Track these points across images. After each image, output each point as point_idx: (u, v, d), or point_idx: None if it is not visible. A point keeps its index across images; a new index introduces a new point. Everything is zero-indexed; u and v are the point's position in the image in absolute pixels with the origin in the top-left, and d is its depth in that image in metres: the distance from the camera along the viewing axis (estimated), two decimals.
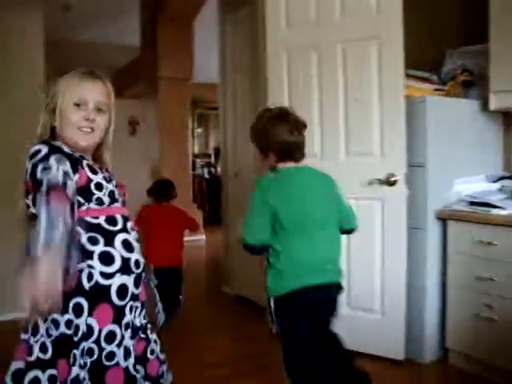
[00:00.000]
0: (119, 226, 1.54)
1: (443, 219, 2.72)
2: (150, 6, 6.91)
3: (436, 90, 2.92)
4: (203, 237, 7.42)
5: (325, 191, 2.08)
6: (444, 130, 2.74)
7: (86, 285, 1.45)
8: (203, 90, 9.48)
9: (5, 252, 3.57)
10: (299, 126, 2.05)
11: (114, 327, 1.49)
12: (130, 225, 1.59)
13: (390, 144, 2.66)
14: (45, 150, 1.48)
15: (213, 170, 9.93)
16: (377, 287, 2.78)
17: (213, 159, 10.74)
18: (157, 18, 6.83)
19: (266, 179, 1.99)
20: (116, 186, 1.62)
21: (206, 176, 9.78)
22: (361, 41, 2.71)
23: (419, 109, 2.68)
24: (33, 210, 1.47)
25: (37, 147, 1.50)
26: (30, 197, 1.50)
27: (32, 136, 3.44)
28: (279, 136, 1.98)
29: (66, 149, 1.51)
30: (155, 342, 1.71)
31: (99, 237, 1.49)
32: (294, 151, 2.06)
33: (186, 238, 6.75)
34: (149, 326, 1.70)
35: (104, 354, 1.46)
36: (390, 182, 2.65)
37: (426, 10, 3.14)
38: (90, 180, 1.50)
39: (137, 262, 1.56)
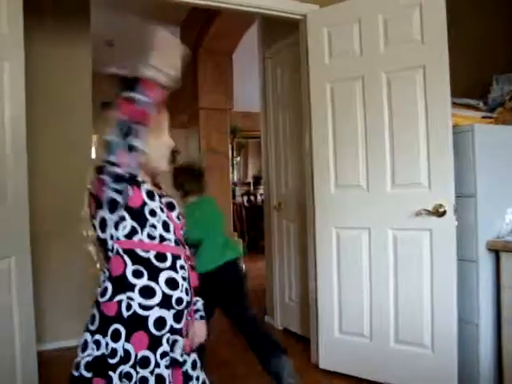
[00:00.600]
0: (167, 264, 1.53)
1: (495, 251, 2.62)
2: (190, 41, 7.09)
3: (484, 117, 2.86)
4: (242, 266, 7.37)
5: None
6: (494, 158, 2.66)
7: (125, 313, 1.46)
8: (242, 118, 9.60)
9: (56, 285, 3.68)
10: None
11: (149, 353, 1.48)
12: (180, 263, 1.58)
13: (438, 174, 2.60)
14: None
15: (252, 198, 9.95)
16: (426, 321, 2.69)
17: (252, 187, 10.77)
18: (197, 51, 7.00)
19: None
20: (178, 217, 1.65)
21: (246, 204, 9.80)
22: (406, 70, 2.69)
23: (467, 137, 2.62)
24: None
25: None
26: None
27: (81, 164, 3.59)
28: None
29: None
30: (197, 379, 1.67)
31: (144, 271, 1.49)
32: None
33: None
34: (197, 362, 1.68)
35: (137, 377, 1.46)
36: (438, 213, 2.59)
37: (470, 36, 3.11)
38: (144, 203, 1.50)
39: (179, 300, 1.54)
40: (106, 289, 1.49)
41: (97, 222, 1.50)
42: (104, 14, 5.55)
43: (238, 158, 11.23)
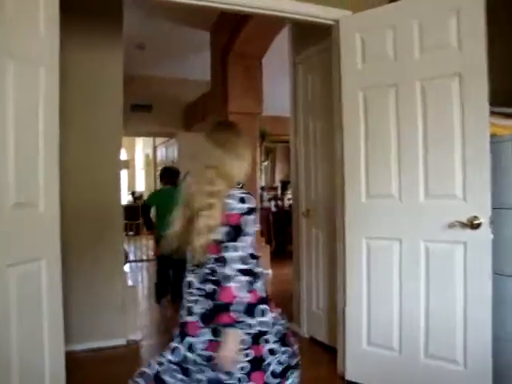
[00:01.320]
0: None
1: None
2: (221, 44, 7.11)
3: None
4: (269, 271, 7.36)
5: None
6: None
7: None
8: (270, 123, 9.60)
9: (85, 287, 3.72)
10: None
11: None
12: None
13: (474, 185, 2.53)
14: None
15: (280, 203, 9.91)
16: (459, 336, 2.61)
17: (280, 192, 10.75)
18: (227, 55, 7.01)
19: None
20: None
21: (273, 209, 9.77)
22: (441, 78, 2.63)
23: (505, 147, 2.55)
24: None
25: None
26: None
27: (110, 166, 3.65)
28: None
29: None
30: None
31: None
32: None
33: None
34: None
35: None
36: (473, 225, 2.51)
37: (509, 43, 3.02)
38: None
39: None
40: None
41: None
42: (135, 17, 5.63)
43: (266, 163, 11.23)
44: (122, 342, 3.87)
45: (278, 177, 11.47)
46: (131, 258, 8.65)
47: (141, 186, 14.07)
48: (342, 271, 3.13)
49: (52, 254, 2.37)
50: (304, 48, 4.00)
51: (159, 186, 5.43)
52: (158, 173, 5.67)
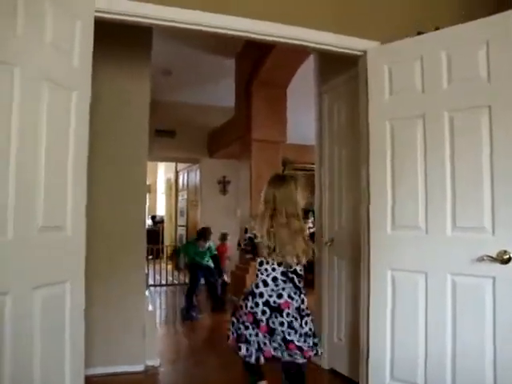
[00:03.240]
0: None
1: None
2: (245, 72, 7.21)
3: None
4: None
5: None
6: None
7: None
8: (292, 151, 9.63)
9: (107, 310, 3.72)
10: None
11: None
12: None
13: (503, 219, 2.48)
14: None
15: None
16: (488, 377, 2.50)
17: None
18: (251, 82, 7.10)
19: None
20: None
21: None
22: (470, 109, 2.60)
23: None
24: None
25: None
26: None
27: (131, 191, 3.71)
28: None
29: None
30: None
31: None
32: None
33: None
34: None
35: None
36: (502, 260, 2.45)
37: None
38: None
39: None
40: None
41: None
42: (162, 44, 5.76)
43: None
44: (140, 367, 3.84)
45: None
46: (150, 282, 8.65)
47: (161, 210, 14.15)
48: (366, 303, 3.07)
49: (77, 276, 2.38)
50: (330, 77, 4.03)
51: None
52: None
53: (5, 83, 1.95)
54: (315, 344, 2.73)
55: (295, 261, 2.77)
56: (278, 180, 2.89)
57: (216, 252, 6.94)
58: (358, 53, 3.17)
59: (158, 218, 13.89)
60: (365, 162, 3.12)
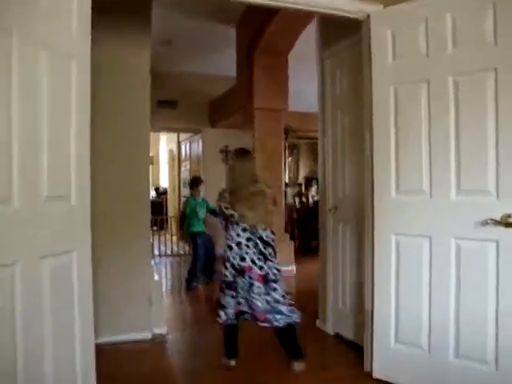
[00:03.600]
0: None
1: None
2: (246, 40, 7.10)
3: None
4: (293, 267, 7.35)
5: None
6: None
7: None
8: (294, 119, 9.55)
9: (113, 280, 3.77)
10: None
11: None
12: None
13: (507, 182, 2.47)
14: None
15: (304, 199, 9.88)
16: (490, 336, 2.56)
17: (303, 189, 10.71)
18: (252, 50, 7.00)
19: None
20: None
21: (297, 205, 9.73)
22: (475, 73, 2.57)
23: None
24: None
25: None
26: None
27: (135, 162, 3.72)
28: None
29: None
30: None
31: None
32: None
33: None
34: None
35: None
36: (506, 223, 2.46)
37: None
38: None
39: None
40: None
41: None
42: (162, 13, 5.66)
43: (290, 159, 11.19)
44: (147, 335, 3.91)
45: (302, 173, 11.43)
46: (155, 252, 8.73)
47: (164, 182, 14.17)
48: (370, 268, 3.10)
49: (83, 246, 2.40)
50: (332, 43, 3.97)
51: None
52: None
53: (2, 49, 1.91)
54: (283, 312, 3.06)
55: (261, 227, 3.10)
56: (239, 154, 3.34)
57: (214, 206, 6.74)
58: (362, 17, 3.11)
59: (161, 190, 13.91)
60: (368, 127, 3.09)
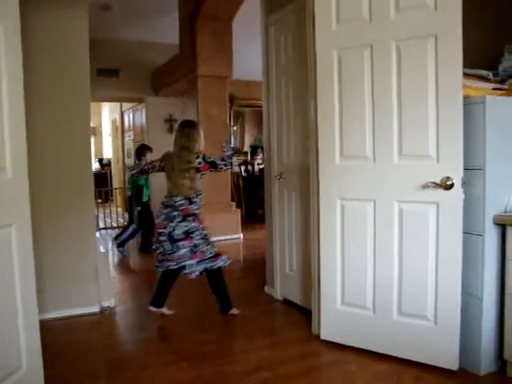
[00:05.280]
0: None
1: (502, 225, 2.59)
2: (189, 5, 6.92)
3: (494, 89, 2.79)
4: (240, 235, 7.40)
5: None
6: (505, 131, 2.61)
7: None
8: (239, 87, 9.48)
9: (57, 254, 3.66)
10: None
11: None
12: None
13: (447, 146, 2.55)
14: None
15: (250, 167, 9.88)
16: (430, 294, 2.68)
17: (249, 157, 10.70)
18: (195, 16, 6.84)
19: None
20: None
21: (243, 174, 9.74)
22: (416, 38, 2.60)
23: (477, 109, 2.56)
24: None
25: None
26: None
27: (76, 133, 3.54)
28: None
29: None
30: None
31: None
32: None
33: (222, 237, 6.83)
34: None
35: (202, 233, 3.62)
36: (445, 186, 2.55)
37: (483, 5, 3.01)
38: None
39: None
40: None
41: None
42: None
43: (235, 127, 11.13)
44: (95, 309, 3.85)
45: (248, 142, 11.40)
46: (101, 225, 8.55)
47: (108, 153, 13.80)
48: (316, 232, 3.16)
49: (22, 220, 2.30)
50: (276, 8, 3.92)
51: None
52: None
53: None
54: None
55: (181, 195, 3.53)
56: (180, 125, 3.73)
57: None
58: None
59: (105, 161, 13.55)
60: (313, 93, 3.10)
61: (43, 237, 3.43)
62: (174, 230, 3.48)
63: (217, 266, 3.57)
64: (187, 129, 3.66)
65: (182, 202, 3.51)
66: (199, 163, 3.54)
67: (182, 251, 3.49)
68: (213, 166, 3.58)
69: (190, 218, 3.51)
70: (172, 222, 3.50)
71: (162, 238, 3.55)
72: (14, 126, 2.25)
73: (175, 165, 3.57)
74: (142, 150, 6.53)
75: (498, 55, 3.04)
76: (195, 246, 3.50)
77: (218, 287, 3.64)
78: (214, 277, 3.60)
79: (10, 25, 2.22)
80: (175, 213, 3.51)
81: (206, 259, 3.52)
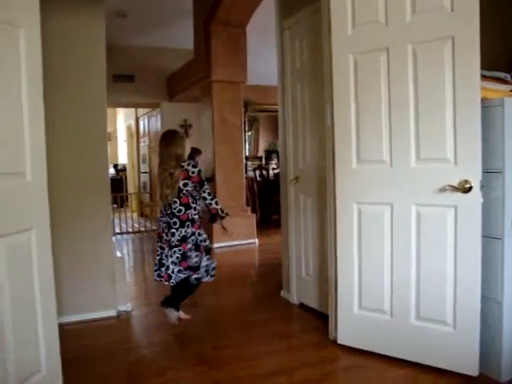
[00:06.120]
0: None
1: None
2: (203, 12, 6.96)
3: None
4: (256, 240, 7.39)
5: None
6: None
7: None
8: (253, 92, 9.50)
9: (74, 258, 3.69)
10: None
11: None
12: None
13: (465, 149, 2.53)
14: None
15: (264, 172, 9.89)
16: (449, 298, 2.65)
17: (264, 162, 10.71)
18: (210, 22, 6.88)
19: None
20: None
21: (258, 179, 9.75)
22: (433, 41, 2.59)
23: (496, 111, 2.54)
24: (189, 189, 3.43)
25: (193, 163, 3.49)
26: (191, 185, 3.42)
27: (92, 139, 3.60)
28: None
29: None
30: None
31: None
32: None
33: (238, 242, 6.83)
34: None
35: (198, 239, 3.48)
36: (464, 189, 2.52)
37: (500, 6, 2.99)
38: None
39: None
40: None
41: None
42: None
43: (250, 132, 11.15)
44: (112, 313, 3.87)
45: (262, 146, 11.42)
46: (116, 230, 8.61)
47: (123, 159, 13.90)
48: (333, 236, 3.15)
49: (41, 224, 2.34)
50: (292, 12, 3.92)
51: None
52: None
53: None
54: (173, 271, 3.39)
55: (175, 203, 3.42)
56: (164, 136, 3.61)
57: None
58: None
59: (120, 167, 13.66)
60: (329, 97, 3.09)
61: (61, 241, 3.47)
62: (173, 235, 3.40)
63: (193, 277, 3.43)
64: (174, 137, 3.58)
65: (180, 207, 3.41)
66: (193, 172, 3.40)
67: (174, 257, 3.40)
68: (201, 184, 3.44)
69: (187, 224, 3.40)
70: (171, 228, 3.41)
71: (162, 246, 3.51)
72: (34, 131, 2.28)
73: (172, 172, 3.41)
74: (195, 153, 6.54)
75: None
76: (185, 253, 3.40)
77: (182, 290, 3.51)
78: (186, 282, 3.48)
79: (31, 29, 2.26)
80: (174, 219, 3.41)
81: (188, 268, 3.41)
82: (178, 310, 3.53)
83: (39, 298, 2.29)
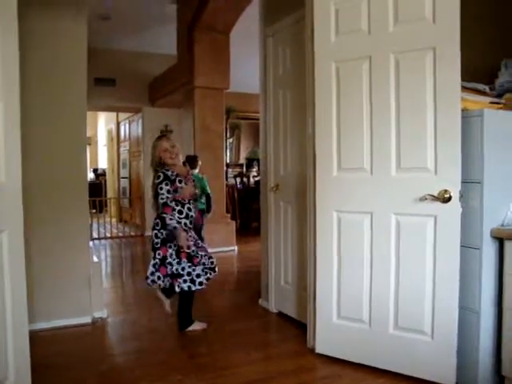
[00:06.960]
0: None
1: (500, 238, 2.57)
2: (187, 17, 6.95)
3: (491, 102, 2.79)
4: (235, 247, 7.36)
5: None
6: (502, 144, 2.60)
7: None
8: (235, 99, 9.50)
9: (49, 262, 3.61)
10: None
11: None
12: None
13: (445, 159, 2.54)
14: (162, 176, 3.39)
15: (245, 179, 9.87)
16: (427, 308, 2.65)
17: (245, 169, 10.69)
18: (194, 28, 6.87)
19: None
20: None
21: (238, 186, 9.72)
22: (415, 51, 2.60)
23: (475, 122, 2.55)
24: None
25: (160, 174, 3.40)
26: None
27: (71, 142, 3.51)
28: None
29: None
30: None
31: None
32: None
33: (217, 249, 6.76)
34: None
35: None
36: (443, 199, 2.53)
37: (482, 19, 3.02)
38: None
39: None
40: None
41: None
42: None
43: (231, 140, 11.14)
44: (87, 319, 3.78)
45: (243, 154, 11.41)
46: (94, 235, 8.49)
47: (103, 163, 13.77)
48: (312, 245, 3.13)
49: (14, 226, 2.26)
50: (275, 20, 3.92)
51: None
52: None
53: None
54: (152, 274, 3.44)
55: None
56: (156, 140, 3.62)
57: (209, 191, 5.98)
58: None
59: (99, 171, 13.52)
60: (311, 105, 3.09)
61: (36, 244, 3.40)
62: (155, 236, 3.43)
63: (176, 286, 3.40)
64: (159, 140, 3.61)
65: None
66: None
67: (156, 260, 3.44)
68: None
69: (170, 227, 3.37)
70: (154, 229, 3.45)
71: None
72: (9, 132, 2.22)
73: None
74: (195, 161, 6.36)
75: (494, 70, 3.05)
76: (164, 258, 3.40)
77: (181, 300, 3.57)
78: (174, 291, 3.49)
79: (6, 28, 2.20)
80: (157, 220, 3.45)
81: (168, 275, 3.41)
82: (192, 322, 3.61)
83: (9, 303, 2.21)
